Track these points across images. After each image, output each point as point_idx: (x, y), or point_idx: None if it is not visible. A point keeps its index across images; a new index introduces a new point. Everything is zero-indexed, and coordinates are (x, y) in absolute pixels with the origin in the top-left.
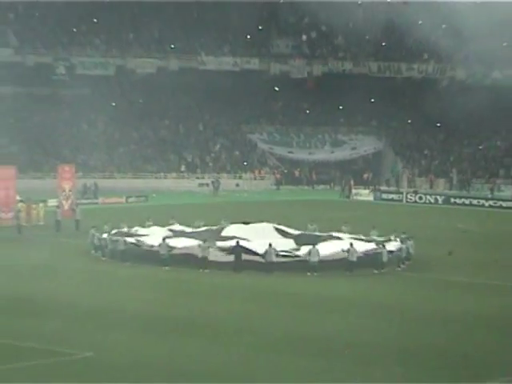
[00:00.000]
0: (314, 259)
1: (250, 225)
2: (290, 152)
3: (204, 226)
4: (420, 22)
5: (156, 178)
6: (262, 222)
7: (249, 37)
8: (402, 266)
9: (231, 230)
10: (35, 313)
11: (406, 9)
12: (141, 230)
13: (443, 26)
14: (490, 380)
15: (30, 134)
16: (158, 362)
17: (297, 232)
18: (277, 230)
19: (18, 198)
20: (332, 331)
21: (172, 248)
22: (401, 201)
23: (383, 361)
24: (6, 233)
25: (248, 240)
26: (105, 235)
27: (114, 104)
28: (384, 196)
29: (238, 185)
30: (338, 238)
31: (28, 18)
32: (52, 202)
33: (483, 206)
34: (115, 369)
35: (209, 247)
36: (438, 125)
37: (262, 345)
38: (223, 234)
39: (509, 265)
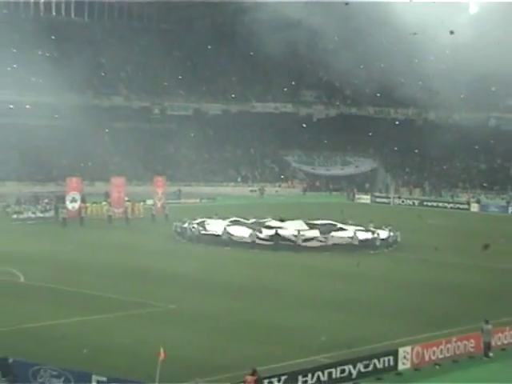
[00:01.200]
0: (329, 242)
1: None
2: (313, 169)
3: (253, 218)
4: (402, 81)
5: (220, 185)
6: (294, 218)
7: (285, 89)
8: (390, 248)
9: (273, 222)
10: (136, 277)
11: (392, 71)
12: (209, 221)
13: (419, 82)
14: (445, 329)
15: (134, 155)
16: (223, 314)
17: (318, 222)
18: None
19: (126, 198)
20: (343, 293)
21: (231, 234)
22: (389, 203)
23: (376, 313)
24: (118, 223)
25: (284, 228)
26: (185, 225)
27: (192, 135)
28: (378, 200)
29: (277, 191)
30: (344, 229)
31: (133, 76)
32: (149, 202)
33: (446, 207)
34: (188, 317)
35: (256, 234)
36: (416, 151)
37: (305, 302)
38: (267, 224)
39: (463, 248)
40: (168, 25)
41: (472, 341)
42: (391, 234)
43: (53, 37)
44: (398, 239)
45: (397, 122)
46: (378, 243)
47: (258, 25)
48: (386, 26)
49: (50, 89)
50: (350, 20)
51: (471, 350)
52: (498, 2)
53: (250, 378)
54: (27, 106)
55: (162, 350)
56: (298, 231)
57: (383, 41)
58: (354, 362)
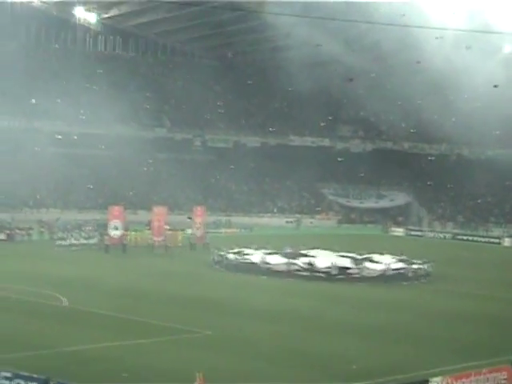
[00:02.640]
0: (363, 273)
1: (321, 250)
2: (348, 201)
3: (289, 249)
4: (435, 117)
5: (258, 216)
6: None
7: (322, 124)
8: (422, 280)
9: (308, 252)
10: (175, 303)
11: (427, 108)
12: (247, 251)
13: (453, 119)
14: (475, 360)
15: (176, 185)
16: (258, 339)
17: (351, 254)
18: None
19: (166, 227)
20: (375, 322)
21: (268, 263)
22: (423, 236)
23: (408, 343)
24: (158, 250)
25: (319, 259)
26: (223, 253)
27: (232, 167)
28: (412, 233)
29: (311, 222)
30: (378, 262)
31: (176, 109)
32: (189, 231)
33: (478, 241)
34: (226, 344)
35: (292, 264)
36: (449, 186)
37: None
38: (303, 254)
39: (494, 280)
40: (209, 60)
41: (504, 373)
42: (424, 265)
43: (100, 70)
44: (430, 270)
45: (431, 158)
46: (410, 274)
47: (296, 61)
48: (421, 64)
49: (97, 120)
50: (386, 58)
51: (502, 382)
52: None
53: None
54: (75, 137)
55: (197, 375)
56: (332, 262)
57: (419, 78)
58: None
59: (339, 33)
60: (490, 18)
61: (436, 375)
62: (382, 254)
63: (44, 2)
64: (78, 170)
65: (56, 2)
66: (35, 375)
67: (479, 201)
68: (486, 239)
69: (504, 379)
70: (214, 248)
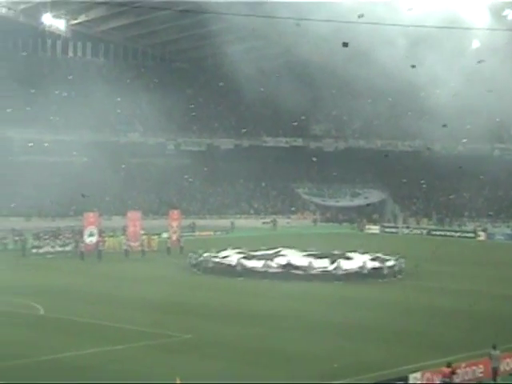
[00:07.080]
0: (339, 272)
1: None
2: (323, 200)
3: (266, 249)
4: (409, 113)
5: (234, 218)
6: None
7: (295, 124)
8: (397, 276)
9: (285, 252)
10: (152, 308)
11: (399, 104)
12: (223, 253)
13: (426, 116)
14: (454, 354)
15: (150, 189)
16: (238, 342)
17: (328, 252)
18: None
19: (142, 232)
20: (354, 320)
21: (244, 265)
22: (397, 233)
23: (387, 340)
24: (135, 255)
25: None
26: (199, 257)
27: (205, 169)
28: (386, 230)
29: (288, 222)
30: (354, 258)
31: (148, 113)
32: (164, 235)
33: (453, 236)
34: (205, 347)
35: (269, 264)
36: (423, 182)
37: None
38: (279, 254)
39: (469, 275)
40: (180, 63)
41: (481, 366)
42: (398, 262)
43: (70, 77)
44: (405, 267)
45: (404, 154)
46: (385, 271)
47: (268, 61)
48: (393, 61)
49: (68, 127)
50: (357, 57)
51: (480, 375)
52: (498, 36)
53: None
54: (46, 144)
55: (178, 380)
56: (310, 261)
57: (390, 75)
58: None
59: (304, 33)
60: (459, 13)
61: (415, 371)
62: (357, 251)
63: (11, 9)
64: (51, 177)
65: (23, 9)
66: None
67: (451, 196)
68: (461, 234)
69: (481, 372)
70: (191, 251)
